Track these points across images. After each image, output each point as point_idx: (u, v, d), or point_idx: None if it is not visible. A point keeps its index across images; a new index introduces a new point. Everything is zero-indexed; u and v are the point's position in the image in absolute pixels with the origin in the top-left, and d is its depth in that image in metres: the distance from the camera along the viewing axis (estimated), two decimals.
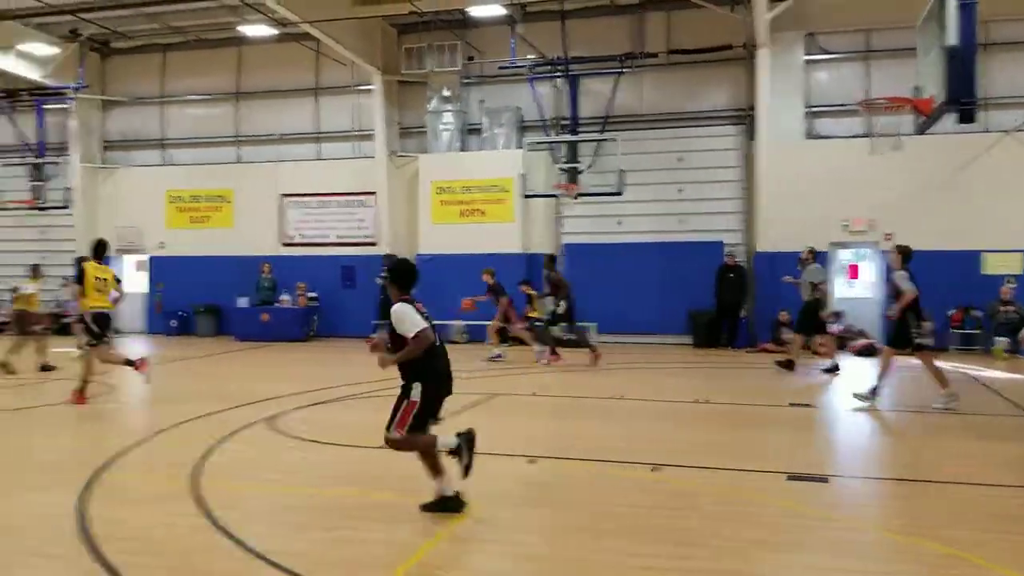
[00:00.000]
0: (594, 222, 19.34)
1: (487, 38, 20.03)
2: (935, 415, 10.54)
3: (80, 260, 11.78)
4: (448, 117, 20.29)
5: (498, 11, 17.98)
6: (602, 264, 19.08)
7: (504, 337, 16.91)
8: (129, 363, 11.73)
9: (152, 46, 22.83)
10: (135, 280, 23.36)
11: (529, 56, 18.48)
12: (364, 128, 21.17)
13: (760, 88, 18.08)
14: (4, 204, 21.86)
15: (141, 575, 5.22)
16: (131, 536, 5.95)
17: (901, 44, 16.84)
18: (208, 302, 21.73)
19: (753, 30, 17.70)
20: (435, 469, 6.49)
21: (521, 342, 16.95)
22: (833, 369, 13.92)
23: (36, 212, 22.13)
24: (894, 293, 11.04)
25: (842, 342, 17.03)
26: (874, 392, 10.95)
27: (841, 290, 18.58)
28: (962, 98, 8.91)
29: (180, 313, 22.12)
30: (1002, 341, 16.58)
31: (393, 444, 6.40)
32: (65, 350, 15.48)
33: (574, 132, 18.21)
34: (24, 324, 15.15)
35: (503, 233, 19.51)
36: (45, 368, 14.83)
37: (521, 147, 19.37)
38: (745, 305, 18.26)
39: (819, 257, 15.24)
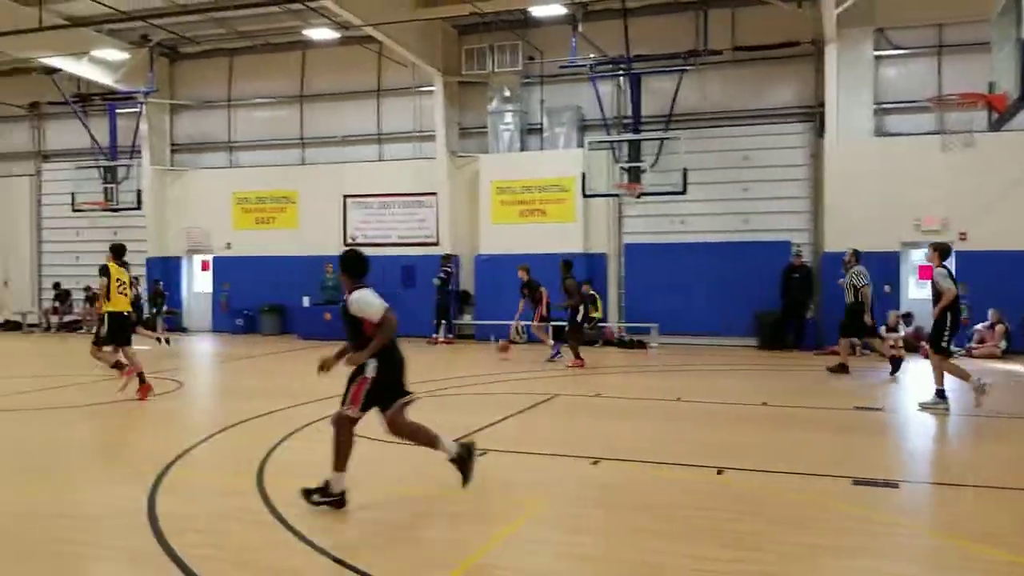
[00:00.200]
0: (656, 222, 19.15)
1: (548, 38, 19.96)
2: (1004, 420, 10.17)
3: (104, 266, 12.03)
4: (508, 117, 20.28)
5: (559, 11, 17.90)
6: (664, 264, 18.88)
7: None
8: (118, 367, 11.89)
9: (219, 51, 23.28)
10: (202, 280, 23.90)
11: (590, 55, 18.36)
12: (425, 129, 21.29)
13: (828, 85, 17.71)
14: (79, 206, 22.52)
15: (208, 568, 5.27)
16: (199, 530, 6.04)
17: (974, 39, 16.34)
18: (273, 301, 22.07)
19: (820, 26, 17.34)
20: (343, 463, 6.34)
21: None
22: (896, 367, 13.62)
23: (109, 213, 22.75)
24: (936, 293, 10.75)
25: (912, 344, 16.60)
26: (942, 396, 10.64)
27: (912, 291, 18.07)
28: None
29: (245, 312, 22.51)
30: None
31: (342, 423, 6.32)
32: (139, 348, 15.86)
33: (636, 131, 18.04)
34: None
35: (564, 233, 19.42)
36: (119, 366, 15.23)
37: (582, 146, 19.26)
38: (811, 306, 17.87)
39: (882, 258, 14.88)
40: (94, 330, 11.89)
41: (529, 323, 16.86)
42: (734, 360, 16.42)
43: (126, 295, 12.00)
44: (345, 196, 22.00)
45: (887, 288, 17.05)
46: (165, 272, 23.28)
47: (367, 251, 21.34)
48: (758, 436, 9.45)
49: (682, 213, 18.84)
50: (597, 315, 18.60)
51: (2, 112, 25.15)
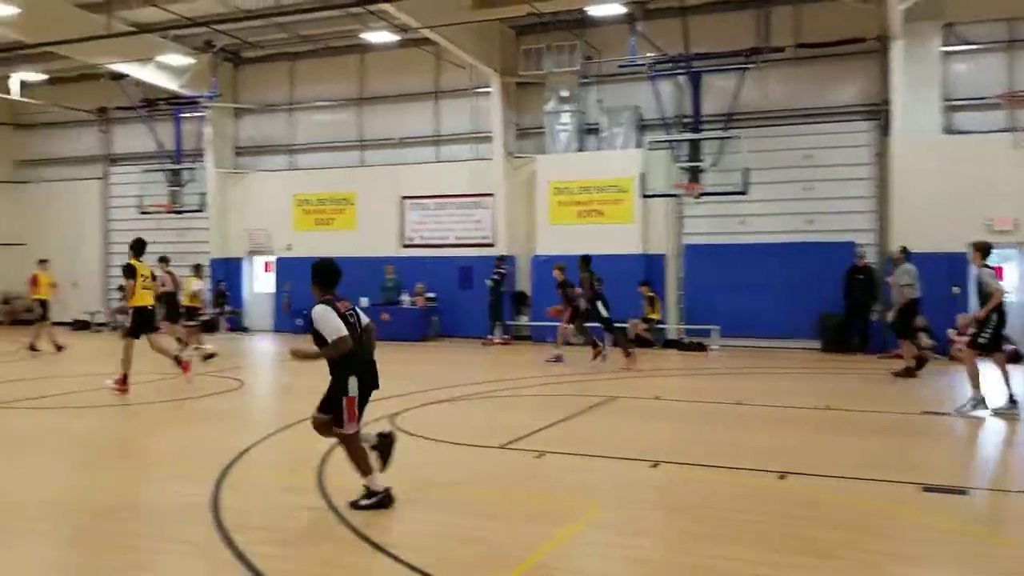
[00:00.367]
0: (716, 222, 18.89)
1: (606, 37, 19.84)
2: None
3: (129, 264, 12.44)
4: (566, 117, 20.19)
5: (617, 10, 17.76)
6: (725, 265, 18.61)
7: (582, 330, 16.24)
8: (124, 377, 12.08)
9: (281, 55, 23.63)
10: (264, 281, 24.27)
11: (649, 54, 18.17)
12: (482, 130, 21.32)
13: (894, 82, 17.27)
14: (145, 208, 23.05)
15: (270, 565, 5.32)
16: (260, 526, 6.11)
17: None
18: None
19: (886, 21, 16.92)
20: (367, 467, 6.51)
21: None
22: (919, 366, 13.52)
23: (173, 215, 23.25)
24: (984, 293, 10.53)
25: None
26: (1012, 401, 10.31)
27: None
28: None
29: (305, 312, 22.68)
30: None
31: (348, 440, 6.47)
32: (203, 347, 16.23)
33: (696, 130, 17.82)
34: (191, 318, 16.56)
35: (622, 234, 19.27)
36: (208, 357, 15.97)
37: (640, 146, 19.09)
38: (877, 308, 17.44)
39: (951, 259, 14.46)
40: (126, 325, 12.32)
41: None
42: (797, 363, 16.11)
43: (149, 289, 12.41)
44: (403, 197, 22.14)
45: (955, 290, 16.55)
46: (227, 273, 23.70)
47: (424, 252, 21.75)
48: (821, 440, 9.25)
49: (743, 213, 18.54)
50: (656, 316, 18.45)
51: (72, 117, 25.87)
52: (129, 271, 12.30)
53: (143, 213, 23.31)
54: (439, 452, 8.61)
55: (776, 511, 6.48)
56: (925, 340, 15.33)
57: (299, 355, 6.50)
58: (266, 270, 24.29)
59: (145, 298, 12.29)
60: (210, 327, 23.12)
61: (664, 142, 18.03)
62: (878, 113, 18.11)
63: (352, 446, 6.51)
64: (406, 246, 22.13)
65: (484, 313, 19.78)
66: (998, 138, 16.26)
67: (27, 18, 17.91)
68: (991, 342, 10.47)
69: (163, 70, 21.94)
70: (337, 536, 5.90)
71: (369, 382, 6.52)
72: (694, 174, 17.38)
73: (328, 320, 6.25)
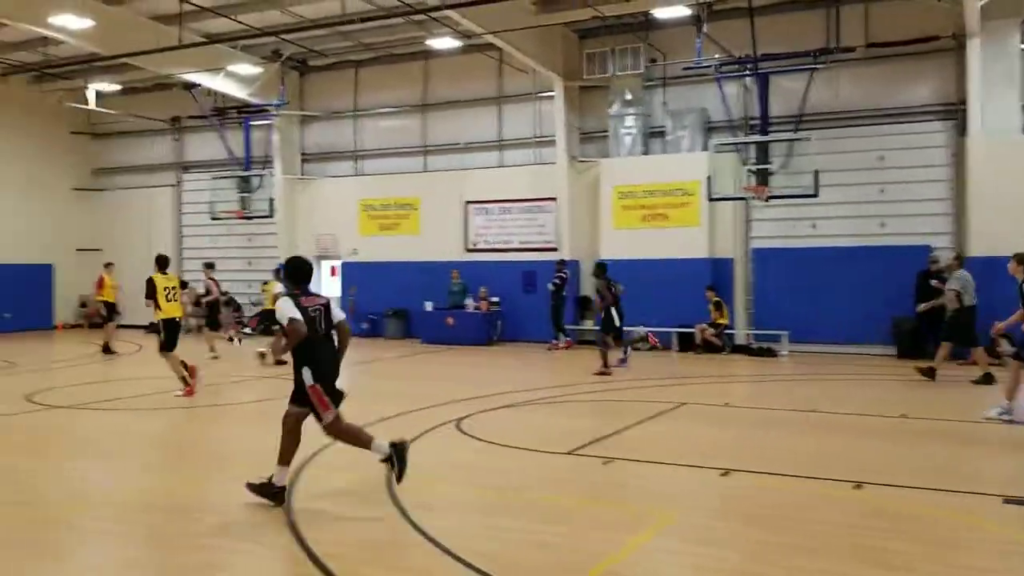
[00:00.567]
0: (786, 225, 18.51)
1: (671, 39, 19.62)
2: None
3: (149, 279, 12.63)
4: (630, 120, 20.01)
5: (683, 12, 17.56)
6: (794, 269, 18.23)
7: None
8: (184, 381, 12.25)
9: (345, 63, 23.92)
10: (330, 285, 24.58)
11: (715, 55, 17.92)
12: (545, 134, 21.27)
13: (971, 81, 16.73)
14: (216, 214, 23.56)
15: (343, 567, 5.35)
16: (331, 529, 6.15)
17: None
18: (396, 306, 22.49)
19: (962, 19, 16.42)
20: (287, 457, 6.71)
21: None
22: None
23: (243, 221, 23.72)
24: None
25: None
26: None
27: None
28: None
29: (371, 316, 23.02)
30: None
31: (332, 428, 6.71)
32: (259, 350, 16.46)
33: (764, 132, 17.50)
34: (272, 320, 16.46)
35: (688, 238, 19.03)
36: (281, 362, 15.98)
37: (707, 149, 18.81)
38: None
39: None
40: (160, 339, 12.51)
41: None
42: (871, 369, 15.68)
43: (175, 300, 12.59)
44: (466, 202, 22.22)
45: None
46: None
47: (487, 256, 21.76)
48: (898, 449, 8.98)
49: (813, 216, 18.14)
50: (723, 321, 18.17)
51: (146, 126, 26.58)
52: (148, 285, 12.51)
53: (214, 219, 23.84)
54: (506, 457, 8.58)
55: (850, 522, 6.31)
56: (1006, 347, 14.79)
57: (274, 346, 6.76)
58: (332, 275, 24.59)
59: (172, 310, 12.51)
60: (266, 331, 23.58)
61: (731, 144, 17.75)
62: (954, 113, 17.57)
63: (340, 432, 6.74)
64: (469, 250, 22.19)
65: (547, 317, 19.71)
66: None
67: (103, 31, 18.45)
68: None
69: (233, 79, 22.39)
70: (407, 540, 5.91)
71: (327, 374, 6.70)
72: (762, 177, 17.07)
73: (284, 309, 6.55)
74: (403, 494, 6.92)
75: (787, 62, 17.60)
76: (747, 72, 17.99)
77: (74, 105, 24.52)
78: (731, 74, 18.21)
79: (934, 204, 17.68)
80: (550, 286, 19.59)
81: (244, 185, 23.30)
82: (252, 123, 23.92)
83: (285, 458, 6.72)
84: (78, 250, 26.70)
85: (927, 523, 6.30)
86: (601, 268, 15.65)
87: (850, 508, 6.69)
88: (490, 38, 18.39)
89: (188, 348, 15.93)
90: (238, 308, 24.63)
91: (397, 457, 6.71)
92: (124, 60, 20.48)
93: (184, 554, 5.75)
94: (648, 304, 18.87)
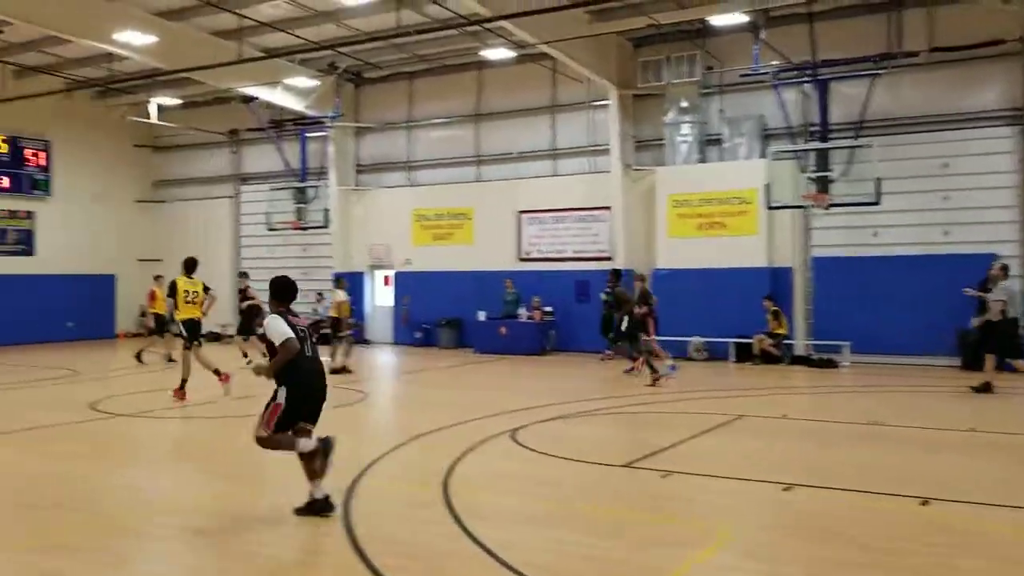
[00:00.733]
0: (847, 234, 18.12)
1: (727, 46, 19.38)
2: None
3: (172, 281, 13.30)
4: (686, 128, 19.80)
5: (740, 19, 17.33)
6: (855, 279, 17.84)
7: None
8: (216, 372, 12.94)
9: (400, 74, 24.11)
10: (384, 294, 24.76)
11: (773, 62, 17.65)
12: (599, 143, 21.15)
13: None
14: (273, 225, 23.90)
15: None
16: (390, 539, 6.13)
17: None
18: (450, 315, 22.54)
19: None
20: (311, 473, 6.62)
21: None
22: None
23: (299, 231, 24.01)
24: None
25: None
26: None
27: None
28: None
29: (424, 325, 23.11)
30: None
31: (260, 442, 6.67)
32: (325, 359, 16.56)
33: (824, 139, 17.16)
34: (337, 329, 17.14)
35: (745, 246, 18.73)
36: (343, 370, 16.59)
37: (765, 156, 18.51)
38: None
39: None
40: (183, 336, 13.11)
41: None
42: (935, 381, 15.25)
43: (195, 303, 13.08)
44: (519, 212, 22.19)
45: None
46: (350, 286, 24.22)
47: (540, 266, 21.70)
48: (966, 465, 8.70)
49: (875, 224, 17.73)
50: (782, 331, 17.84)
51: (205, 139, 27.10)
52: (171, 286, 13.15)
53: (271, 229, 24.18)
54: (563, 469, 8.49)
55: (917, 538, 6.13)
56: None
57: (262, 370, 6.73)
58: (385, 284, 24.76)
59: (190, 311, 13.01)
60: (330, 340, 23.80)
61: (790, 152, 17.44)
62: (1021, 118, 17.03)
63: (273, 444, 6.69)
64: (523, 260, 22.14)
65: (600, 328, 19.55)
66: None
67: (165, 46, 18.87)
68: None
69: (290, 92, 22.72)
70: (464, 551, 5.87)
71: (308, 393, 6.71)
72: (822, 184, 16.72)
73: (276, 327, 6.63)
74: (459, 504, 6.90)
75: (848, 68, 17.26)
76: (806, 78, 17.67)
77: (137, 119, 25.11)
78: (790, 80, 17.91)
79: (1000, 212, 17.16)
80: (603, 295, 19.44)
81: (300, 196, 23.59)
82: (308, 135, 24.21)
83: (313, 475, 6.66)
84: (139, 260, 27.29)
85: (996, 541, 6.10)
86: (617, 276, 15.61)
87: (916, 524, 6.51)
88: (544, 48, 18.37)
89: (221, 355, 16.19)
90: (294, 317, 24.87)
91: (320, 508, 6.63)
92: (185, 75, 20.90)
93: (243, 563, 5.78)
94: (704, 314, 18.66)
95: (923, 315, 17.21)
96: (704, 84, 19.77)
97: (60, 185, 25.63)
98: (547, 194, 21.82)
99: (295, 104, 23.10)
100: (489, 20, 16.90)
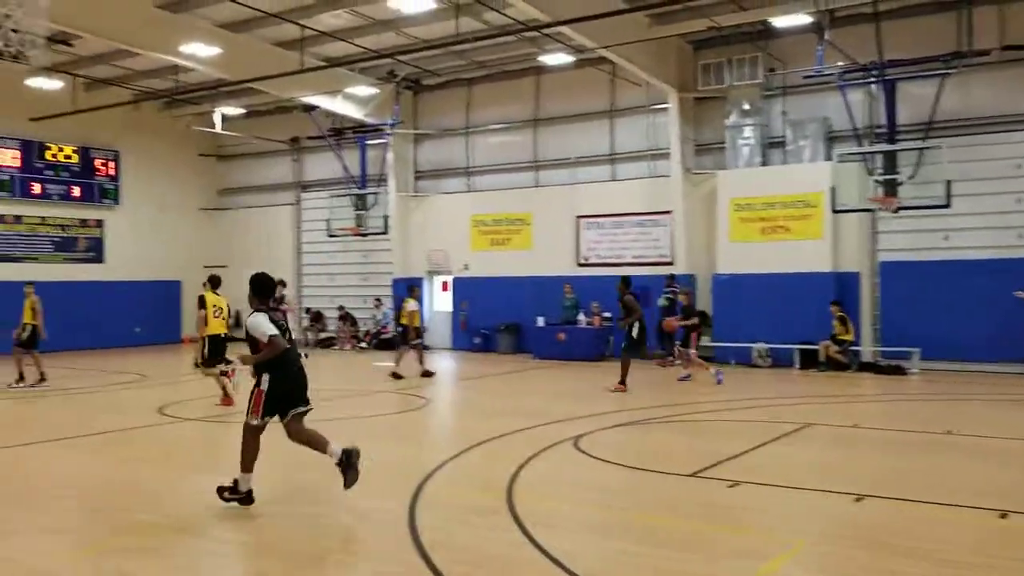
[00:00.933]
0: (916, 237, 17.65)
1: (790, 47, 19.05)
2: None
3: (201, 296, 13.53)
4: (748, 131, 19.50)
5: (803, 19, 17.02)
6: (925, 284, 17.35)
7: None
8: (225, 394, 13.03)
9: (458, 81, 24.22)
10: (442, 300, 24.86)
11: (838, 63, 17.28)
12: (659, 147, 20.96)
13: None
14: (333, 232, 24.19)
15: None
16: (456, 546, 6.11)
17: None
18: (508, 321, 22.53)
19: None
20: (249, 466, 7.08)
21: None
22: None
23: (359, 238, 24.26)
24: None
25: None
26: None
27: None
28: None
29: (483, 331, 23.15)
30: None
31: (248, 428, 7.07)
32: (384, 364, 16.73)
33: (891, 140, 16.75)
34: (407, 337, 17.32)
35: (810, 251, 18.37)
36: (427, 374, 16.92)
37: (829, 159, 18.15)
38: None
39: None
40: (202, 351, 13.36)
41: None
42: (1011, 389, 14.75)
43: (221, 319, 13.30)
44: (578, 216, 22.10)
45: None
46: (409, 292, 24.35)
47: (599, 271, 21.48)
48: None
49: (945, 228, 17.24)
50: (848, 338, 17.44)
51: (268, 147, 27.57)
52: (200, 300, 13.39)
53: (331, 236, 24.47)
54: (627, 478, 8.39)
55: (997, 553, 5.93)
56: None
57: (248, 360, 7.15)
58: (444, 290, 24.85)
59: (217, 327, 13.21)
60: (392, 345, 23.95)
61: (856, 154, 17.05)
62: None
63: (247, 438, 7.09)
64: (581, 265, 22.05)
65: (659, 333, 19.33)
66: None
67: (229, 57, 19.26)
68: None
69: (350, 100, 23.00)
70: (530, 559, 5.82)
71: (290, 384, 7.12)
72: (890, 187, 16.32)
73: (259, 325, 6.98)
74: (524, 512, 6.85)
75: (916, 67, 16.83)
76: (872, 79, 17.27)
77: (201, 129, 25.65)
78: (855, 81, 17.51)
79: None
80: (662, 301, 19.23)
81: (360, 203, 23.82)
82: (367, 142, 24.45)
83: (247, 467, 7.10)
84: (205, 267, 27.81)
85: None
86: (626, 283, 15.53)
87: (992, 539, 6.31)
88: (603, 52, 18.27)
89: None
90: (354, 322, 25.19)
91: (240, 500, 7.04)
92: (248, 85, 21.28)
93: (313, 568, 5.81)
94: (768, 320, 18.36)
95: (996, 321, 16.68)
96: (766, 86, 19.46)
97: (128, 194, 26.30)
98: (606, 199, 21.69)
99: (355, 112, 23.37)
100: (548, 25, 16.87)
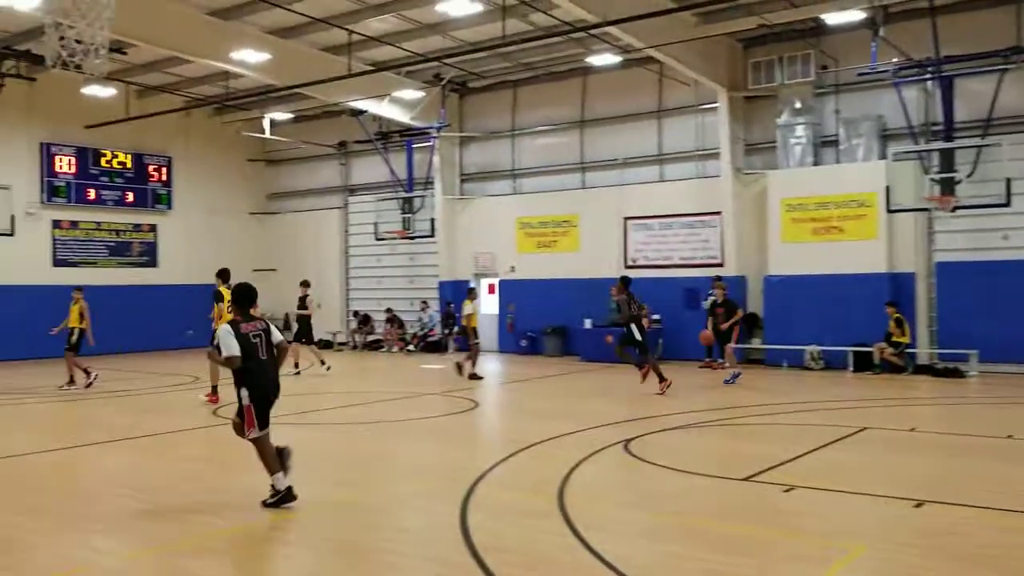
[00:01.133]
0: (974, 237, 17.18)
1: (843, 44, 18.68)
2: None
3: (217, 290, 13.96)
4: (800, 130, 19.17)
5: (856, 16, 16.68)
6: (983, 284, 16.88)
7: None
8: (214, 390, 13.51)
9: (503, 83, 24.22)
10: (489, 302, 24.85)
11: (893, 59, 16.92)
12: (708, 147, 20.73)
13: None
14: (381, 235, 24.32)
15: None
16: (508, 549, 6.08)
17: None
18: (555, 323, 22.44)
19: None
20: (274, 467, 7.25)
21: None
22: None
23: (405, 240, 24.37)
24: None
25: None
26: None
27: None
28: None
29: (529, 333, 23.08)
30: None
31: (256, 443, 7.25)
32: (434, 366, 16.75)
33: (948, 138, 16.35)
34: (467, 338, 17.53)
35: (864, 251, 17.98)
36: (475, 376, 17.08)
37: (884, 158, 17.77)
38: None
39: None
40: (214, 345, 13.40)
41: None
42: None
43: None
44: (625, 218, 21.94)
45: None
46: (456, 295, 24.45)
47: (647, 273, 21.26)
48: None
49: (1005, 227, 16.75)
50: (904, 340, 17.05)
51: (316, 152, 27.84)
52: (218, 296, 13.80)
53: (378, 239, 24.60)
54: (679, 481, 8.27)
55: None
56: None
57: (212, 358, 7.48)
58: (490, 292, 24.84)
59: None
60: (439, 348, 24.06)
61: (912, 152, 16.66)
62: None
63: (260, 448, 7.26)
64: (629, 267, 21.85)
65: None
66: None
67: (277, 64, 19.47)
68: None
69: (397, 104, 23.11)
70: (583, 563, 5.77)
71: (265, 392, 7.30)
72: (947, 186, 15.93)
73: (224, 340, 7.22)
74: (575, 514, 6.81)
75: (974, 63, 16.41)
76: (928, 75, 16.88)
77: (251, 134, 25.99)
78: (910, 78, 17.13)
79: None
80: (707, 304, 18.97)
81: (406, 206, 23.93)
82: (414, 145, 24.55)
83: (273, 468, 7.23)
84: (254, 271, 28.16)
85: None
86: (625, 283, 15.41)
87: None
88: (651, 52, 18.11)
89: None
90: (401, 325, 25.30)
91: (282, 498, 7.13)
92: (297, 90, 21.50)
93: (366, 569, 5.81)
94: (821, 321, 18.05)
95: None
96: (818, 84, 19.12)
97: (180, 199, 26.72)
98: (654, 200, 21.49)
99: (401, 116, 23.48)
100: (595, 26, 16.77)
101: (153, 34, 17.46)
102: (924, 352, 17.70)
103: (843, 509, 7.25)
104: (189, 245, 26.72)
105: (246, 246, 28.34)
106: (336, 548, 6.30)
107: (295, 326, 20.09)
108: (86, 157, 24.41)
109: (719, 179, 20.11)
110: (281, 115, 25.28)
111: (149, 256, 26.16)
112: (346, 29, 18.65)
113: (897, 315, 17.07)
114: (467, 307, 17.56)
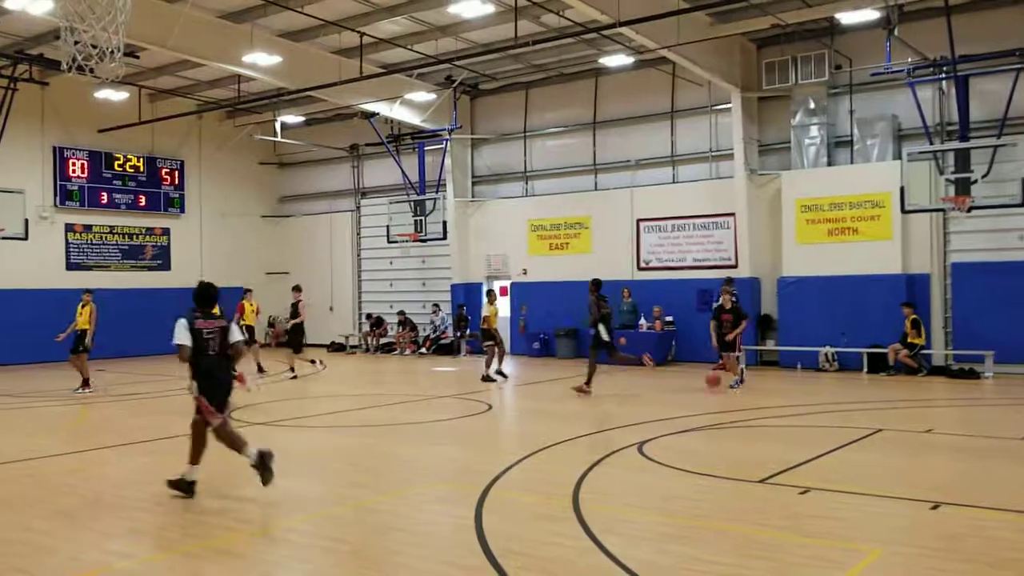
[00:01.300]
0: (989, 238, 17.06)
1: (857, 44, 18.59)
2: None
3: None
4: (814, 131, 19.08)
5: (871, 15, 16.58)
6: (1000, 285, 16.76)
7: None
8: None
9: (515, 85, 24.20)
10: (500, 304, 24.80)
11: (907, 59, 16.82)
12: (721, 148, 20.65)
13: None
14: (393, 237, 24.34)
15: None
16: (524, 552, 6.05)
17: None
18: (567, 325, 22.38)
19: None
20: (196, 457, 7.66)
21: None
22: None
23: (418, 243, 24.36)
24: None
25: None
26: None
27: None
28: None
29: (542, 335, 23.04)
30: None
31: (217, 432, 7.68)
32: (447, 369, 16.74)
33: (964, 138, 16.24)
34: (487, 339, 17.58)
35: (878, 252, 17.89)
36: (500, 374, 17.40)
37: (898, 158, 17.66)
38: None
39: None
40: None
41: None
42: None
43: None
44: (638, 220, 21.87)
45: None
46: (467, 297, 24.46)
47: (660, 274, 21.17)
48: None
49: (1021, 228, 16.64)
50: (920, 341, 16.93)
51: (327, 155, 27.91)
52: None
53: (391, 242, 24.63)
54: (695, 484, 8.22)
55: None
56: None
57: (183, 355, 7.72)
58: (502, 294, 24.79)
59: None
60: (451, 350, 24.04)
61: (927, 152, 16.55)
62: None
63: (223, 435, 7.71)
64: (642, 269, 21.82)
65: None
66: None
67: (289, 67, 19.54)
68: None
69: (408, 107, 23.13)
70: (599, 567, 5.74)
71: (212, 387, 7.68)
72: (963, 186, 15.81)
73: (176, 331, 7.62)
74: (590, 517, 6.77)
75: (989, 63, 16.31)
76: (943, 75, 16.78)
77: (263, 137, 26.05)
78: (925, 78, 17.03)
79: None
80: (715, 306, 18.88)
81: (418, 208, 23.92)
82: (426, 148, 24.56)
83: (194, 459, 7.68)
84: (267, 273, 28.26)
85: None
86: (596, 285, 15.52)
87: None
88: (664, 53, 18.05)
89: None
90: (414, 327, 25.29)
91: (262, 465, 7.47)
92: (308, 93, 21.53)
93: (382, 570, 5.79)
94: (835, 323, 17.96)
95: None
96: (832, 84, 19.03)
97: (192, 202, 26.82)
98: (667, 201, 21.43)
99: (413, 118, 23.49)
100: (607, 27, 16.71)
101: (164, 38, 17.49)
102: (939, 353, 17.58)
103: (859, 511, 7.18)
104: (202, 248, 26.81)
105: (258, 249, 28.44)
106: (351, 551, 6.29)
107: (285, 336, 20.12)
108: (99, 161, 24.52)
109: (732, 180, 20.02)
110: (293, 118, 25.33)
111: (162, 259, 26.25)
112: (357, 31, 18.67)
113: (914, 316, 16.96)
114: (486, 309, 17.57)
